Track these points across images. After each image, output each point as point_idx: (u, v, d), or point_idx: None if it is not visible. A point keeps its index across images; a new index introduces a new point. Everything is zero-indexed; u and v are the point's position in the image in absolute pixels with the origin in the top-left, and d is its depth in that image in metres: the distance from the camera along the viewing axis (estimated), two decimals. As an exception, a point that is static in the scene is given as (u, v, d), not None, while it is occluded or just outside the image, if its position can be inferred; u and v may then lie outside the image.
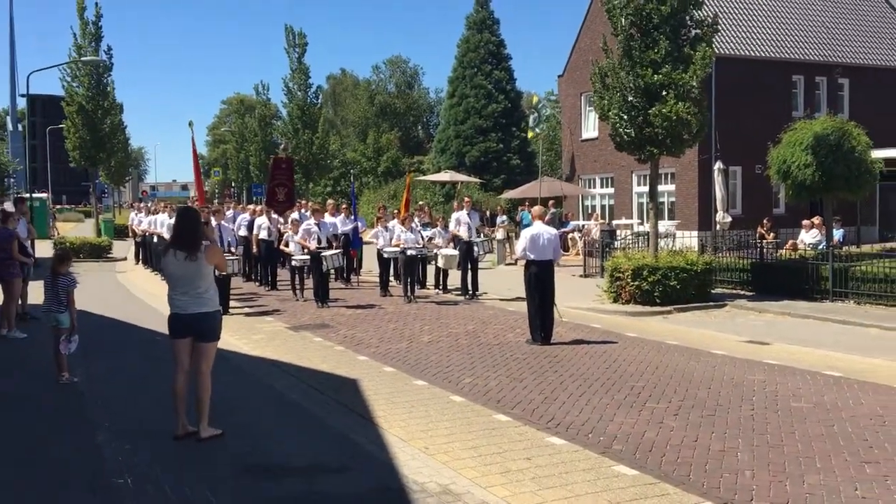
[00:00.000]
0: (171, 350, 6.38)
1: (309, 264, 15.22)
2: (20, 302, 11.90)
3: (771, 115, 23.49)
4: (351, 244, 18.29)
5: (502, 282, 17.55)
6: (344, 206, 20.21)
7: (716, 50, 17.34)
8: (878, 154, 17.17)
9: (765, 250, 17.05)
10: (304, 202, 22.68)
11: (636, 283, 14.01)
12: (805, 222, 19.58)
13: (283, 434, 6.58)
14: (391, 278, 17.12)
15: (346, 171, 52.84)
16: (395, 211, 19.78)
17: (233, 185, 70.96)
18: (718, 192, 22.67)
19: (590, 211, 29.91)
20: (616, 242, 20.20)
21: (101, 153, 28.06)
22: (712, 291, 14.98)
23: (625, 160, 23.25)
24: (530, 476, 5.61)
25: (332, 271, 16.07)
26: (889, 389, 8.18)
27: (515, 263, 17.87)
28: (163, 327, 6.93)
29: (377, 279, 17.04)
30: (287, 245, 15.89)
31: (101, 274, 21.57)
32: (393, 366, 9.47)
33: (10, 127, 51.61)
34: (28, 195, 26.71)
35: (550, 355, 10.02)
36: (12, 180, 38.12)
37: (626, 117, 14.63)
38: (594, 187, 30.61)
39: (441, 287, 16.85)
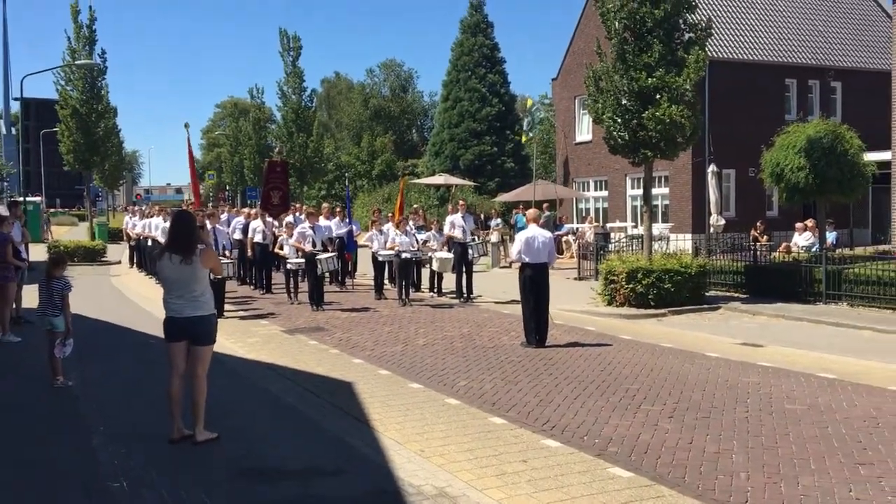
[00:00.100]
0: (167, 354, 6.37)
1: (304, 268, 15.23)
2: (14, 306, 11.87)
3: (764, 118, 23.56)
4: (346, 247, 18.34)
5: (497, 285, 17.57)
6: (338, 209, 20.20)
7: (709, 53, 17.44)
8: (871, 157, 17.29)
9: (758, 253, 17.11)
10: (298, 205, 22.65)
11: (630, 285, 14.04)
12: (798, 225, 19.63)
13: (278, 437, 6.58)
14: (386, 281, 17.11)
15: (341, 175, 52.75)
16: (390, 214, 19.77)
17: (227, 188, 70.89)
18: (712, 194, 22.77)
19: (584, 214, 30.00)
20: (610, 245, 20.22)
21: (95, 157, 28.05)
22: (706, 294, 14.99)
23: (619, 163, 23.36)
24: (526, 478, 5.63)
25: (327, 274, 16.06)
26: (883, 391, 8.23)
27: (510, 266, 17.87)
28: (157, 331, 6.93)
29: (372, 282, 17.06)
30: (282, 248, 15.89)
31: (96, 277, 21.51)
32: (388, 369, 9.47)
33: (3, 130, 51.55)
34: (22, 199, 26.62)
35: (545, 358, 10.03)
36: (6, 184, 38.07)
37: (619, 120, 14.67)
38: (588, 190, 30.70)
39: (436, 290, 16.86)
